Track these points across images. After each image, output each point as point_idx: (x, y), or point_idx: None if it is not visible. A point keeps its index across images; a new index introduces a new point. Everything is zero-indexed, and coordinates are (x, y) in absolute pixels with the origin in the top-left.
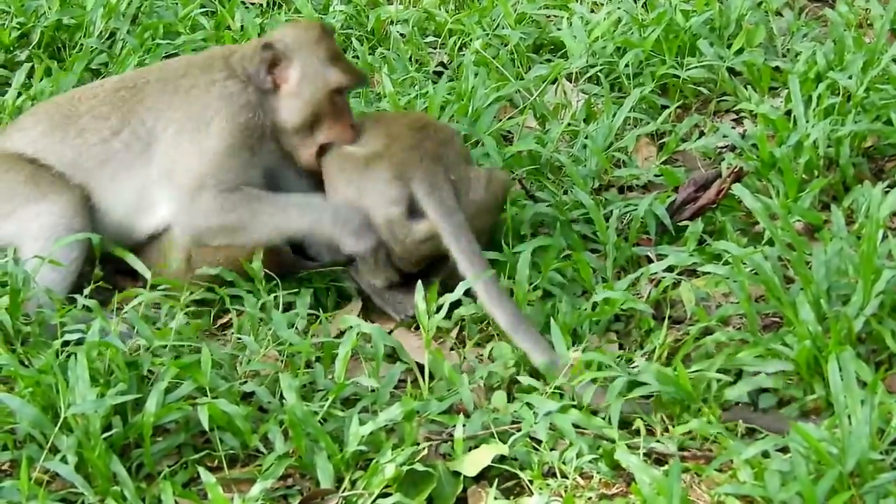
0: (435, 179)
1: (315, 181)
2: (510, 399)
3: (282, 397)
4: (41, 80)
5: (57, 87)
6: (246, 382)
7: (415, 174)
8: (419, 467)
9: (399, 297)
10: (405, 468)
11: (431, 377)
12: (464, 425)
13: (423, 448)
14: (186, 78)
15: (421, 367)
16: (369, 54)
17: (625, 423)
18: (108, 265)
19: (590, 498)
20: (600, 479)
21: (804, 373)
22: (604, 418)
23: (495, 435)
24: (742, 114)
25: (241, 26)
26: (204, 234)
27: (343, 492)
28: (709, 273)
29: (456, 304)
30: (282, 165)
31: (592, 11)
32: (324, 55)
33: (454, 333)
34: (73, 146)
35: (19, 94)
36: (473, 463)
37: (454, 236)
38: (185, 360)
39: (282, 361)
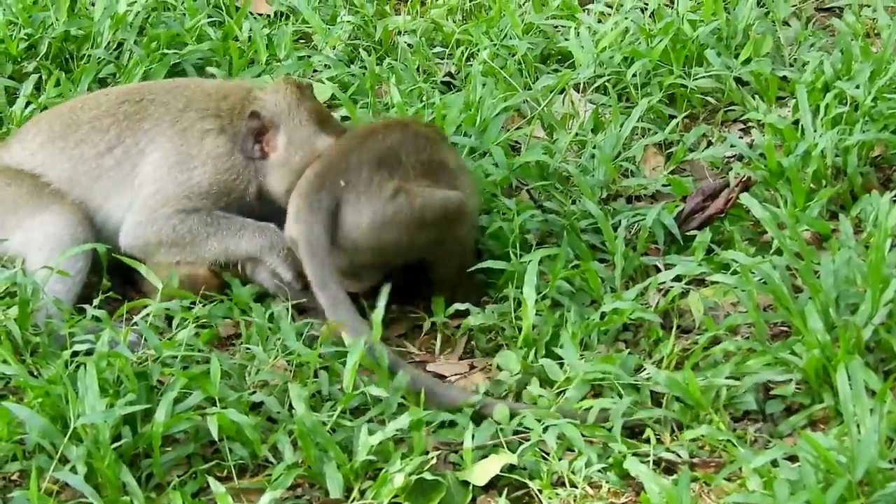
0: (313, 186)
1: None
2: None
3: (291, 407)
4: (48, 90)
5: (65, 98)
6: (255, 392)
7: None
8: (428, 476)
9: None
10: (414, 478)
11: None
12: (472, 436)
13: (432, 457)
14: (185, 114)
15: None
16: (377, 65)
17: (634, 432)
18: (116, 275)
19: None
20: (609, 489)
21: (813, 382)
22: (610, 429)
23: (504, 444)
24: (750, 123)
25: (249, 37)
26: (153, 248)
27: (352, 501)
28: (717, 282)
29: (465, 314)
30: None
31: (600, 21)
32: (310, 119)
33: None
34: (71, 157)
35: (28, 104)
36: (482, 472)
37: (299, 235)
38: (195, 371)
39: (290, 371)
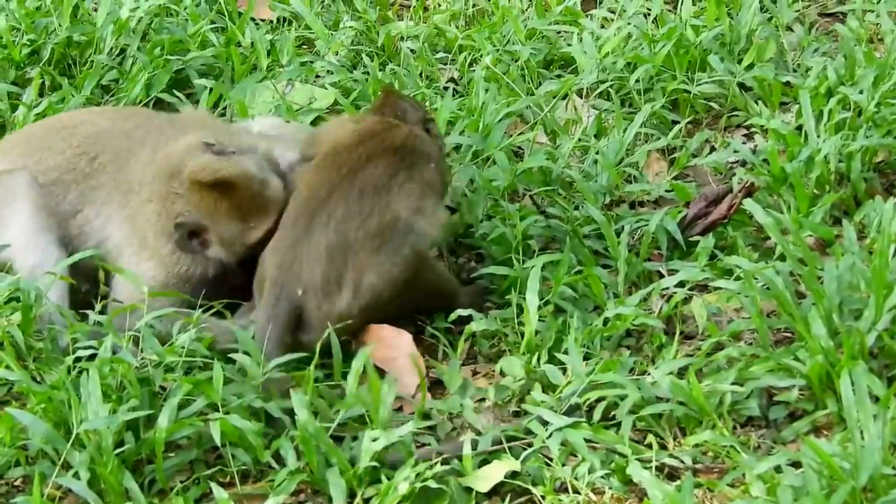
0: (271, 296)
1: None
2: (520, 414)
3: (293, 413)
4: (48, 95)
5: (66, 104)
6: (255, 398)
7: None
8: (432, 484)
9: None
10: (419, 485)
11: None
12: (474, 445)
13: (436, 463)
14: (129, 198)
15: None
16: (380, 70)
17: (637, 434)
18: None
19: None
20: (612, 495)
21: (816, 388)
22: (616, 433)
23: (507, 450)
24: (753, 129)
25: (252, 42)
26: None
27: None
28: (720, 288)
29: (467, 320)
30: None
31: (603, 27)
32: (234, 215)
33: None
34: (45, 196)
35: (33, 109)
36: (486, 479)
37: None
38: (198, 377)
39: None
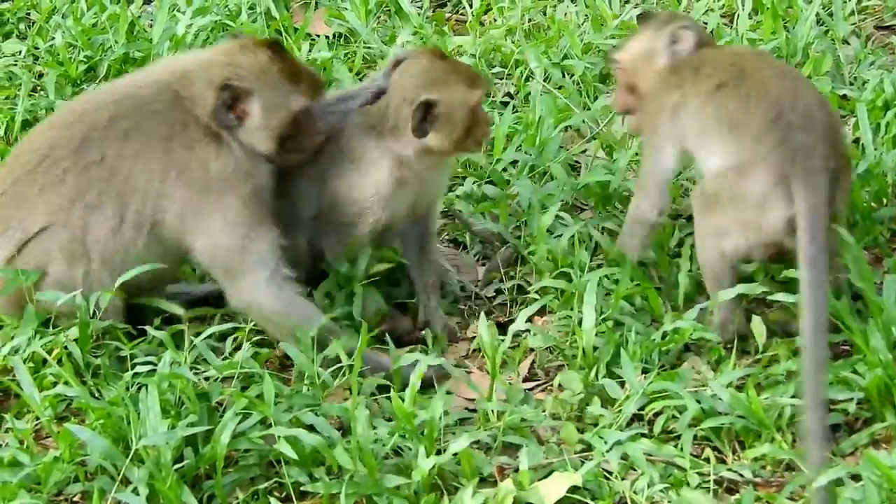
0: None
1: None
2: (581, 430)
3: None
4: None
5: None
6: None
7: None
8: None
9: None
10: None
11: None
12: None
13: (504, 486)
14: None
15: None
16: None
17: (696, 449)
18: None
19: None
20: None
21: (875, 400)
22: (675, 446)
23: (568, 463)
24: None
25: (308, 59)
26: None
27: None
28: (778, 301)
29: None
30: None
31: None
32: (282, 79)
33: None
34: None
35: None
36: (548, 493)
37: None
38: (251, 392)
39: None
